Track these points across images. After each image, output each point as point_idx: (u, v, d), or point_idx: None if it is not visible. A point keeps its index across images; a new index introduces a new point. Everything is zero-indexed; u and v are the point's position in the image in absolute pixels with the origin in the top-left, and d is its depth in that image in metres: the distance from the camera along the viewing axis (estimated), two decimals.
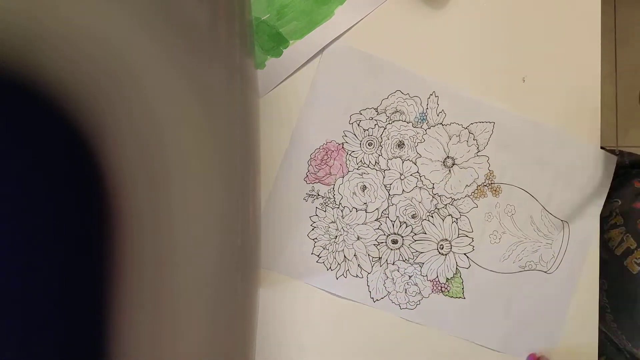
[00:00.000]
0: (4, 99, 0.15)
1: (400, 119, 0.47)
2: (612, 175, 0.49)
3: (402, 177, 0.47)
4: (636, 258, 0.49)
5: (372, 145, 0.47)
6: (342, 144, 0.47)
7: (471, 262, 0.48)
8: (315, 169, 0.47)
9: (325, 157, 0.47)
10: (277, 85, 0.47)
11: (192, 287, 0.25)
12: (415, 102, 0.48)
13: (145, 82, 0.20)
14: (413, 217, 0.48)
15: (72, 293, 0.17)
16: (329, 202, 0.47)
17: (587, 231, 0.49)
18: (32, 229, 0.16)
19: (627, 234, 0.51)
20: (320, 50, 0.47)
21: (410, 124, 0.48)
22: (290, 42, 0.47)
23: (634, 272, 0.49)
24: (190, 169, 0.24)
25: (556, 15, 0.50)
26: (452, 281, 0.48)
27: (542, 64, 0.49)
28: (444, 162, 0.48)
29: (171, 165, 0.22)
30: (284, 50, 0.47)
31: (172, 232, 0.22)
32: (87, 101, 0.17)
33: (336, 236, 0.47)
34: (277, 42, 0.47)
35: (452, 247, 0.48)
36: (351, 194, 0.47)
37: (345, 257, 0.47)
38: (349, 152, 0.47)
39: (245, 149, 0.33)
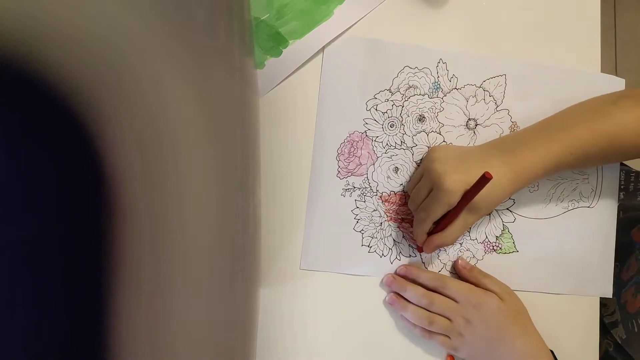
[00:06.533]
0: (6, 94, 0.15)
1: (415, 93, 0.47)
2: None
3: None
4: None
5: (394, 126, 0.47)
6: (365, 132, 0.47)
7: (516, 216, 0.48)
8: (345, 163, 0.47)
9: (352, 149, 0.47)
10: (277, 85, 0.47)
11: (192, 287, 0.25)
12: (426, 74, 0.47)
13: (145, 80, 0.20)
14: None
15: (72, 291, 0.17)
16: (366, 192, 0.47)
17: None
18: (32, 225, 0.16)
19: None
20: (320, 49, 0.47)
21: (426, 95, 0.47)
22: (290, 41, 0.47)
23: None
24: (190, 168, 0.23)
25: (556, 15, 0.50)
26: (502, 238, 0.48)
27: (542, 62, 0.49)
28: (466, 125, 0.48)
29: (170, 165, 0.22)
30: (283, 50, 0.47)
31: (172, 232, 0.22)
32: (89, 97, 0.17)
33: (381, 223, 0.47)
34: (277, 42, 0.47)
35: None
36: (385, 178, 0.47)
37: (394, 240, 0.47)
38: (374, 139, 0.47)
39: (245, 149, 0.32)
